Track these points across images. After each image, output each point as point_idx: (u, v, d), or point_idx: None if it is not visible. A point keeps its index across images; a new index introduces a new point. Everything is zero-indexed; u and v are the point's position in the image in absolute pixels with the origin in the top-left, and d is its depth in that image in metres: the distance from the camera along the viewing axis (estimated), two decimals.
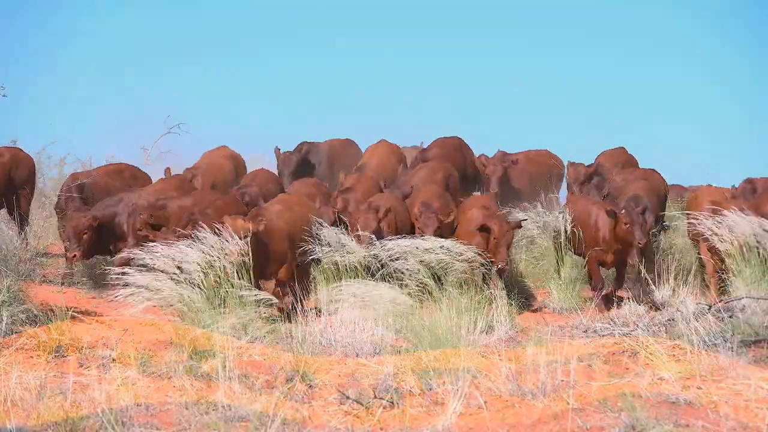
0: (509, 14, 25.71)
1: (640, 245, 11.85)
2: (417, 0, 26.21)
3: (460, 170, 15.55)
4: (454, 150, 15.93)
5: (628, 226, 11.85)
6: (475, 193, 15.33)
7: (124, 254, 11.83)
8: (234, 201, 12.38)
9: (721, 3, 22.20)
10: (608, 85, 25.47)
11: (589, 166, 15.53)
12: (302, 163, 15.94)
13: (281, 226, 11.59)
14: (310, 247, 11.78)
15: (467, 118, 23.31)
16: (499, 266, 11.62)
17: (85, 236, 12.08)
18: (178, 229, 11.23)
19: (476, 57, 25.48)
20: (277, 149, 15.94)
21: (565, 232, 12.72)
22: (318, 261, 11.95)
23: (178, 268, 10.72)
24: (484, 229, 11.69)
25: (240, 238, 10.86)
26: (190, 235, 10.94)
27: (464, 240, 11.85)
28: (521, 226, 12.22)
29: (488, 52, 25.38)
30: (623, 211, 11.96)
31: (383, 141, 16.13)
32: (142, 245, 11.36)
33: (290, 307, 11.60)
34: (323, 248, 11.77)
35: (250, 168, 15.76)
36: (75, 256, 12.05)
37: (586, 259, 12.33)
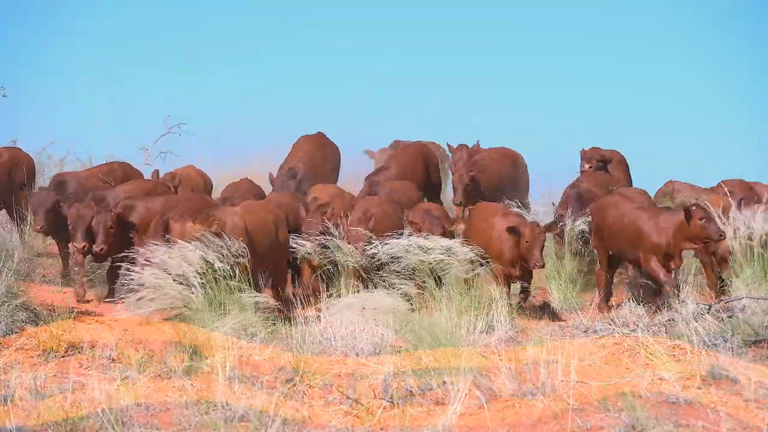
0: (509, 14, 25.73)
1: (721, 238, 11.35)
2: (417, 0, 26.21)
3: (423, 179, 15.18)
4: (415, 160, 15.28)
5: (703, 220, 11.27)
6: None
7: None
8: (206, 203, 12.15)
9: (722, 3, 22.21)
10: (604, 85, 25.47)
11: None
12: (299, 186, 15.56)
13: (239, 228, 11.24)
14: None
15: (466, 118, 23.32)
16: (535, 266, 11.36)
17: (111, 230, 12.11)
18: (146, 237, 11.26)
19: (475, 57, 25.48)
20: (271, 175, 15.53)
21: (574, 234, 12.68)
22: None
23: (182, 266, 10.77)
24: (513, 231, 11.41)
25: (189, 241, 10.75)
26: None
27: (491, 248, 11.63)
28: (553, 230, 11.98)
29: (488, 51, 25.40)
30: (694, 207, 11.42)
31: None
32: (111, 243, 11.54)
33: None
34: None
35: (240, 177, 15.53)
36: (102, 249, 12.08)
37: (644, 262, 11.71)
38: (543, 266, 11.46)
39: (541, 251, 11.37)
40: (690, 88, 24.43)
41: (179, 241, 10.78)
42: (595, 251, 12.43)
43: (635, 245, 11.71)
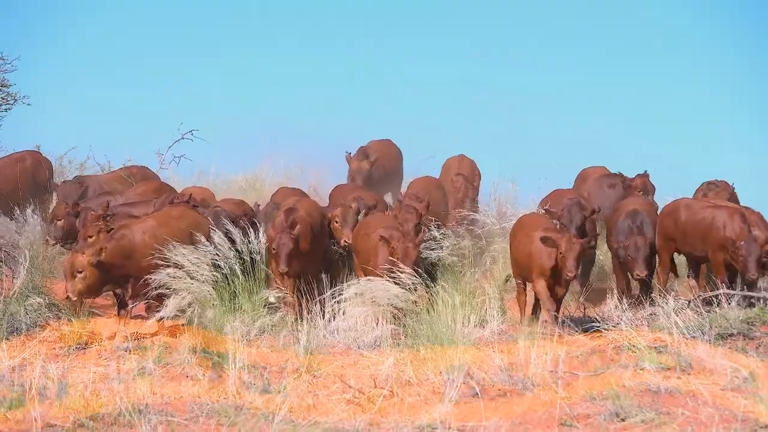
0: (510, 14, 25.78)
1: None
2: (417, 0, 26.26)
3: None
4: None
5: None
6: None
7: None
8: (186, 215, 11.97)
9: (722, 3, 22.23)
10: (597, 88, 25.44)
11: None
12: None
13: (147, 242, 11.15)
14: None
15: (465, 118, 23.48)
16: (568, 276, 10.95)
17: (59, 223, 13.00)
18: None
19: (475, 58, 25.54)
20: (257, 204, 15.47)
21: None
22: None
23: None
24: (546, 241, 11.04)
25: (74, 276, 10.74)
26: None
27: (529, 258, 11.34)
28: (590, 245, 11.89)
29: (487, 52, 25.42)
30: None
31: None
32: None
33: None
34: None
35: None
36: (55, 241, 13.08)
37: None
38: (575, 277, 11.14)
39: (577, 262, 10.96)
40: (685, 88, 24.45)
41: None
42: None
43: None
